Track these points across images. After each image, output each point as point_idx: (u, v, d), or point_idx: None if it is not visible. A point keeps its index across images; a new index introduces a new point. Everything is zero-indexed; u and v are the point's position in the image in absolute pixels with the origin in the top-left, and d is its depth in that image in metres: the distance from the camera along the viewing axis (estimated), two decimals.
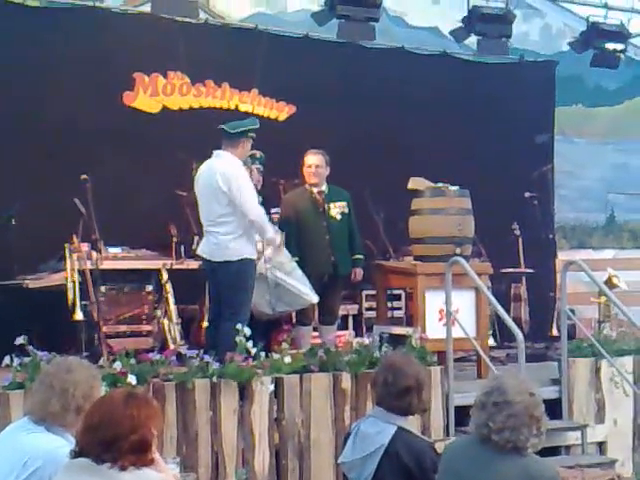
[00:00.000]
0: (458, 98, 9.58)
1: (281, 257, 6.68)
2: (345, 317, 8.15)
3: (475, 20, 9.19)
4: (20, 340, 5.03)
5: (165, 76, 8.60)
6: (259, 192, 6.89)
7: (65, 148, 7.78)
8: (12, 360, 5.00)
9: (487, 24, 9.21)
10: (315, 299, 6.79)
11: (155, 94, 8.57)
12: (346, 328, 8.13)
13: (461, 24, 9.41)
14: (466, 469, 3.14)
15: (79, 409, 3.12)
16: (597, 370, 6.67)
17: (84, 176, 6.88)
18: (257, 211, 6.20)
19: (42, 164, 7.68)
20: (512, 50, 9.81)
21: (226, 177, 6.08)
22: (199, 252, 6.41)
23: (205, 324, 6.72)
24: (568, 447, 6.42)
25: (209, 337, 6.32)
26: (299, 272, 6.73)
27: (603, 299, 8.32)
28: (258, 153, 6.82)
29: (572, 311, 7.30)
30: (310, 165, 7.07)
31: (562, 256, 9.79)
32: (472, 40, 9.72)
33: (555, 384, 6.55)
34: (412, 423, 4.22)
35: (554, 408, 6.17)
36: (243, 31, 9.23)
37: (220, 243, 6.15)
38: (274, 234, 6.44)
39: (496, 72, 10.09)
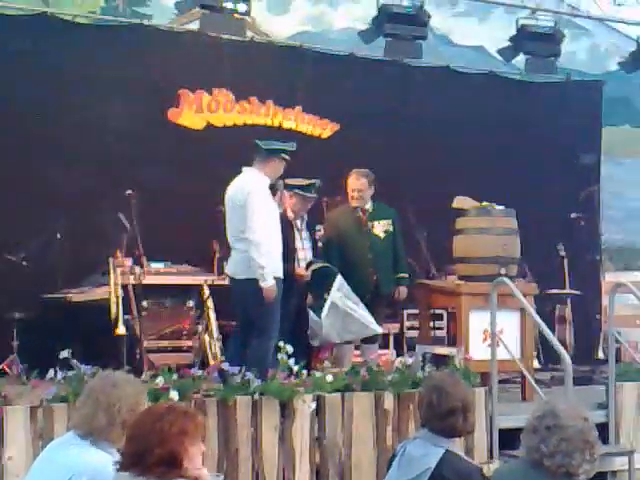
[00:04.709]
0: (504, 117, 9.52)
1: (348, 287, 6.65)
2: (386, 336, 8.09)
3: (524, 39, 9.13)
4: (64, 354, 5.04)
5: (210, 93, 8.65)
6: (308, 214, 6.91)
7: (110, 163, 7.87)
8: (56, 373, 5.01)
9: (536, 43, 9.15)
10: (379, 330, 6.84)
11: (200, 111, 8.62)
12: (387, 347, 8.08)
13: (509, 43, 9.35)
14: None
15: (125, 424, 3.10)
16: None
17: (129, 191, 6.93)
18: (259, 237, 5.93)
19: (87, 179, 7.75)
20: (559, 69, 9.73)
21: (244, 191, 6.05)
22: (225, 270, 6.38)
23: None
24: (614, 473, 6.28)
25: (229, 349, 6.31)
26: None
27: None
28: (317, 182, 6.83)
29: (618, 333, 7.16)
30: (354, 189, 7.05)
31: (608, 278, 9.65)
32: (518, 59, 9.67)
33: (601, 408, 6.41)
34: (457, 445, 4.14)
35: (600, 433, 5.99)
36: (288, 49, 9.28)
37: (241, 260, 6.07)
38: (268, 277, 5.94)
39: (542, 91, 10.02)
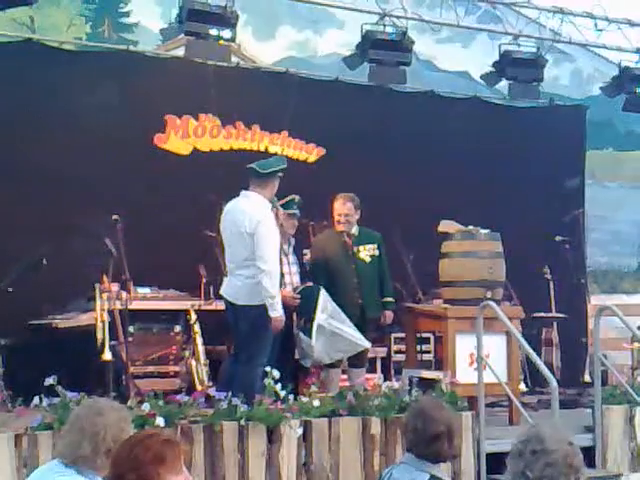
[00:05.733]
0: (488, 141, 9.58)
1: (334, 304, 6.66)
2: (373, 360, 8.08)
3: (506, 64, 9.19)
4: (50, 381, 5.01)
5: (196, 118, 8.67)
6: (293, 235, 6.90)
7: (97, 188, 7.85)
8: (41, 401, 4.98)
9: (518, 68, 9.20)
10: (368, 344, 6.84)
11: (186, 136, 8.64)
12: (374, 371, 8.07)
13: (492, 68, 9.41)
14: None
15: (109, 452, 3.08)
16: (631, 418, 6.54)
17: (115, 216, 6.93)
18: (271, 266, 6.02)
19: (74, 204, 7.73)
20: (542, 94, 9.81)
21: (254, 220, 6.05)
22: (222, 292, 6.39)
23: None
24: None
25: (224, 372, 6.28)
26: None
27: (637, 345, 8.19)
28: (296, 197, 6.84)
29: (604, 356, 7.18)
30: (340, 214, 7.08)
31: (594, 301, 9.69)
32: (502, 84, 9.75)
33: (588, 432, 6.42)
34: (443, 470, 4.13)
35: (588, 456, 6.04)
36: (274, 74, 9.32)
37: (243, 286, 6.11)
38: (278, 306, 6.08)
39: (526, 116, 10.10)
